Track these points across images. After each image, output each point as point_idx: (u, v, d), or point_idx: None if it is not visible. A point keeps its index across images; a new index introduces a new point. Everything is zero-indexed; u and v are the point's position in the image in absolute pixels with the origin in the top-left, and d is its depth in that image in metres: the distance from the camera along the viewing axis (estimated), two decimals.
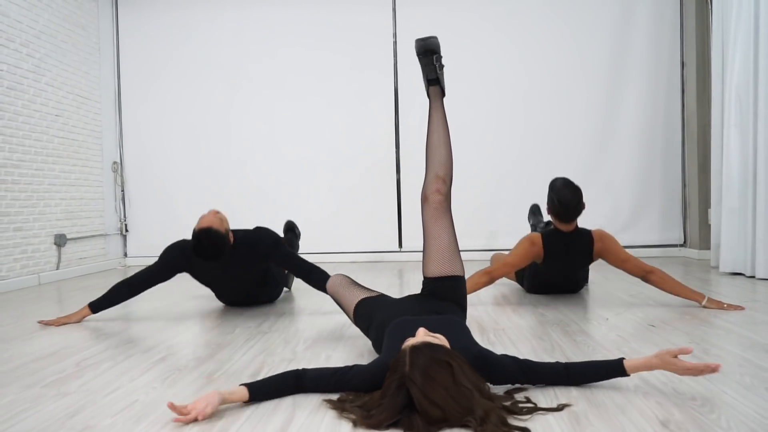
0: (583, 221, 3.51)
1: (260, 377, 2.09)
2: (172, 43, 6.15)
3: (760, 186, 4.15)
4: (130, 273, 5.55)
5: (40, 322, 3.18)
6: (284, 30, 6.05)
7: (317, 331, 2.85)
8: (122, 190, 6.19)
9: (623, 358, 1.89)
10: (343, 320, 3.08)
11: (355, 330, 2.82)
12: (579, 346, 2.45)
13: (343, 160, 6.02)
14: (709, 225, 5.09)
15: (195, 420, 1.69)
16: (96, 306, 3.19)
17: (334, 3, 6.01)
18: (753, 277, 4.23)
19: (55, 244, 5.13)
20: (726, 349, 2.33)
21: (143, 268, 3.34)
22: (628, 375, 1.87)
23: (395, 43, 5.96)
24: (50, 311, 3.63)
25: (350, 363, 2.24)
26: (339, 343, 2.61)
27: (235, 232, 3.28)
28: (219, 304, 3.70)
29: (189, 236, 3.19)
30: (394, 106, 5.98)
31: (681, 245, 5.75)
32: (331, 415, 1.73)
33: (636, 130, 5.78)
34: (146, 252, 6.18)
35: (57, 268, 5.14)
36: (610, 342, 2.50)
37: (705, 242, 5.34)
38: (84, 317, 3.19)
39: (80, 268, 5.42)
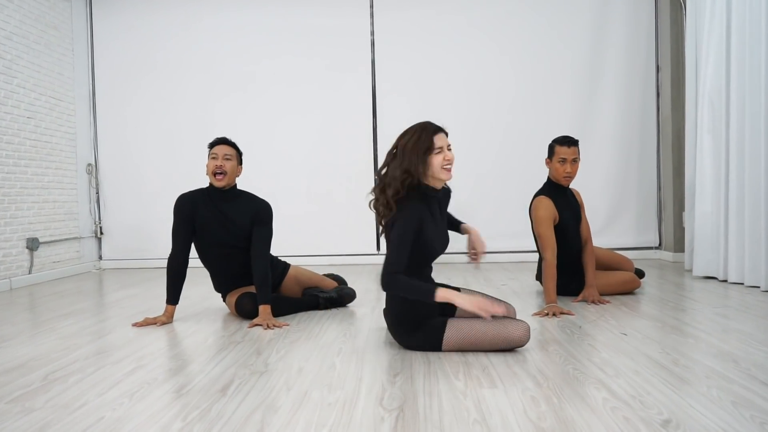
0: None
1: (230, 392, 2.08)
2: (148, 44, 6.09)
3: (732, 191, 4.20)
4: (106, 276, 5.53)
5: (134, 325, 3.26)
6: (261, 33, 6.01)
7: (290, 341, 2.84)
8: (97, 193, 6.12)
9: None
10: (317, 330, 3.07)
11: (328, 339, 2.81)
12: (550, 356, 2.46)
13: (321, 163, 6.01)
14: (683, 228, 5.15)
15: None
16: (172, 298, 3.35)
17: (311, 7, 5.98)
18: (725, 281, 4.28)
19: (27, 248, 5.06)
20: (695, 359, 2.35)
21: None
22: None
23: (373, 46, 5.95)
24: (22, 317, 3.57)
25: (324, 373, 2.24)
26: (312, 353, 2.60)
27: (246, 191, 3.50)
28: (193, 310, 3.66)
29: (164, 237, 3.44)
30: (372, 110, 5.97)
31: (656, 248, 5.81)
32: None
33: (612, 134, 5.82)
34: (122, 255, 6.14)
35: (29, 273, 5.07)
36: (582, 352, 2.51)
37: (680, 245, 5.40)
38: (172, 314, 3.35)
39: (53, 272, 5.35)
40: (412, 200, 2.47)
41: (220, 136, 3.45)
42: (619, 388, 2.02)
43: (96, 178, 6.10)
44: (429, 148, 2.46)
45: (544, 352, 2.52)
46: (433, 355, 2.51)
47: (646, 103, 5.80)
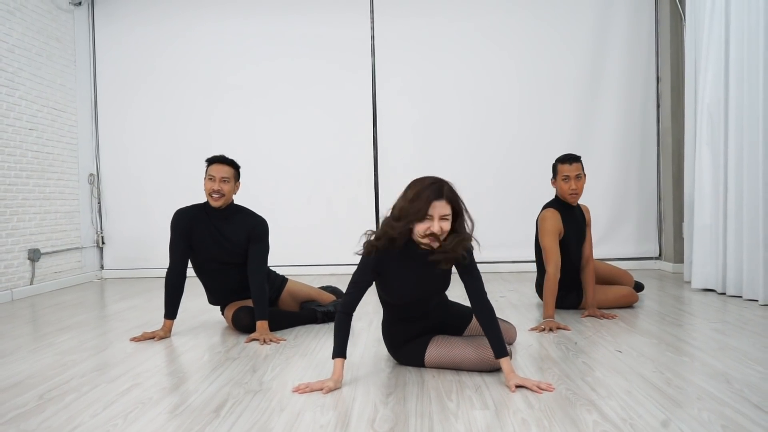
0: None
1: (223, 413, 2.09)
2: (150, 55, 6.12)
3: (731, 204, 4.20)
4: (108, 286, 5.55)
5: (132, 340, 3.28)
6: (262, 42, 6.05)
7: (285, 358, 2.85)
8: (99, 203, 6.15)
9: (508, 356, 2.37)
10: (313, 345, 3.08)
11: (324, 355, 2.82)
12: (544, 375, 2.47)
13: (321, 174, 6.03)
14: (683, 239, 5.15)
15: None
16: (170, 313, 3.36)
17: (311, 15, 6.01)
18: (724, 294, 4.27)
19: (28, 258, 5.09)
20: (688, 380, 2.35)
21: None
22: (500, 367, 2.40)
23: (373, 55, 5.97)
24: (21, 331, 3.59)
25: (318, 392, 2.25)
26: (307, 371, 2.61)
27: (243, 206, 3.50)
28: (192, 323, 3.68)
29: (165, 246, 3.46)
30: (372, 119, 5.99)
31: (656, 258, 5.81)
32: None
33: (613, 144, 5.83)
34: (123, 264, 6.16)
35: (31, 284, 5.10)
36: (575, 371, 2.51)
37: (679, 256, 5.39)
38: (170, 328, 3.37)
39: (55, 283, 5.38)
40: (380, 252, 2.45)
41: (218, 154, 3.45)
42: (611, 411, 2.03)
43: (98, 187, 6.14)
44: (422, 218, 2.34)
45: (539, 371, 2.53)
46: (427, 374, 2.52)
47: (647, 113, 5.81)
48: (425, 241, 2.38)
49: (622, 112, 5.83)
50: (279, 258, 5.51)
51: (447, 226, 2.36)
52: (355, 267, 2.51)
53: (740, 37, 4.13)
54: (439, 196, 2.34)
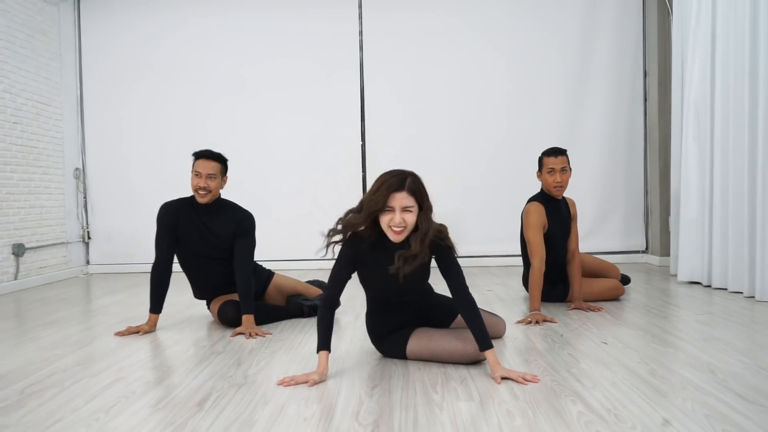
0: None
1: (206, 406, 2.08)
2: (137, 49, 6.07)
3: (717, 198, 4.22)
4: (94, 281, 5.51)
5: (116, 334, 3.24)
6: (249, 37, 6.01)
7: (271, 351, 2.83)
8: (85, 197, 6.10)
9: (491, 348, 2.36)
10: (299, 339, 3.07)
11: (310, 349, 2.81)
12: (530, 366, 2.47)
13: (310, 167, 6.01)
14: (670, 232, 5.17)
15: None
16: (155, 307, 3.34)
17: (299, 11, 5.97)
18: (709, 286, 4.30)
19: (13, 253, 5.04)
20: (672, 370, 2.36)
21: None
22: (485, 358, 2.39)
23: (361, 50, 5.95)
24: (4, 326, 3.56)
25: (302, 385, 2.24)
26: (293, 365, 2.60)
27: (229, 201, 3.48)
28: (178, 318, 3.66)
29: (152, 241, 3.39)
30: (360, 115, 5.97)
31: (643, 251, 5.83)
32: None
33: (600, 138, 5.84)
34: (110, 259, 6.12)
35: (15, 279, 5.05)
36: (561, 362, 2.52)
37: (666, 249, 5.42)
38: (155, 323, 3.34)
39: (40, 278, 5.33)
40: (353, 245, 2.44)
41: (204, 148, 3.42)
42: (595, 401, 2.03)
43: (84, 182, 6.08)
44: (382, 210, 2.34)
45: (524, 363, 2.53)
46: (413, 366, 2.51)
47: (634, 108, 5.82)
48: (391, 236, 2.38)
49: (610, 107, 5.84)
50: (267, 252, 5.47)
51: (410, 218, 2.35)
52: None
53: (726, 32, 4.14)
54: (400, 187, 2.33)
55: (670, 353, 2.62)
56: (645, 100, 5.78)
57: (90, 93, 6.11)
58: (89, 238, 6.12)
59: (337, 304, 2.51)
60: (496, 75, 5.88)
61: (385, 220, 2.36)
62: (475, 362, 2.50)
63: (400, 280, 2.44)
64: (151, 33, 6.05)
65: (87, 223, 6.11)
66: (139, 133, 6.10)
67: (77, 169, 6.03)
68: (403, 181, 2.35)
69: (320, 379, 2.32)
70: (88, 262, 6.16)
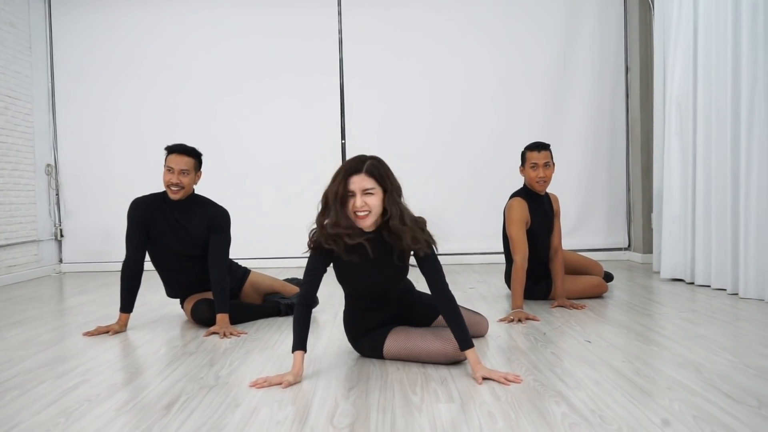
0: None
1: (174, 409, 1.98)
2: (111, 41, 5.92)
3: (699, 194, 4.18)
4: (66, 280, 5.36)
5: (85, 334, 3.12)
6: (227, 30, 5.89)
7: (245, 351, 2.74)
8: (57, 194, 5.94)
9: (472, 347, 2.28)
10: (275, 339, 2.97)
11: (286, 348, 2.71)
12: (512, 366, 2.39)
13: (289, 163, 5.89)
14: (652, 229, 5.14)
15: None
16: (126, 306, 3.21)
17: (279, 5, 5.86)
18: (692, 283, 4.26)
19: None
20: (658, 369, 2.30)
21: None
22: (465, 358, 2.31)
23: (341, 44, 5.85)
24: None
25: (276, 386, 2.15)
26: (267, 365, 2.50)
27: (203, 196, 3.36)
28: (151, 317, 3.54)
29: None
30: (340, 111, 5.87)
31: (626, 249, 5.80)
32: None
33: (582, 135, 5.79)
34: (84, 258, 5.97)
35: None
36: (544, 361, 2.44)
37: (648, 246, 5.39)
38: (126, 322, 3.22)
39: (10, 277, 5.17)
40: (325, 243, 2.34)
41: (178, 142, 3.31)
42: (579, 402, 1.96)
43: (56, 179, 5.93)
44: (344, 197, 2.27)
45: (506, 362, 2.45)
46: (392, 366, 2.43)
47: (616, 104, 5.79)
48: (359, 222, 2.30)
49: (592, 103, 5.79)
50: (244, 250, 5.36)
51: (372, 200, 2.26)
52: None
53: (708, 26, 4.10)
54: (357, 170, 2.27)
55: (654, 352, 2.55)
56: (627, 95, 5.75)
57: (62, 87, 5.95)
58: (62, 236, 5.97)
59: (314, 301, 2.42)
60: (478, 71, 5.81)
61: (350, 208, 2.28)
62: (456, 362, 2.42)
63: (378, 278, 2.36)
64: (125, 25, 5.91)
65: (60, 221, 5.96)
66: (114, 129, 5.95)
67: (49, 165, 5.87)
68: (361, 163, 2.28)
69: (295, 380, 2.22)
70: (61, 261, 6.00)
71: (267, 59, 5.87)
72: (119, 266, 3.26)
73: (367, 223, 2.30)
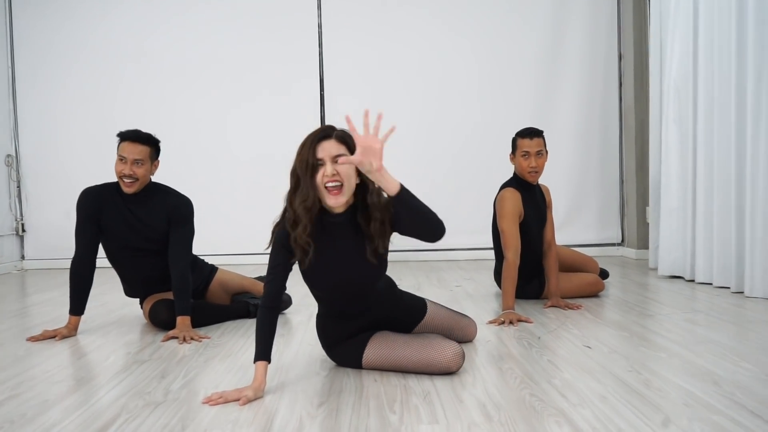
0: None
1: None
2: (76, 24, 5.55)
3: (700, 185, 3.92)
4: (28, 277, 5.02)
5: (29, 340, 2.80)
6: (201, 15, 5.53)
7: (205, 359, 2.43)
8: (18, 186, 5.58)
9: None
10: (240, 344, 2.67)
11: (251, 356, 2.41)
12: (504, 376, 2.11)
13: (265, 153, 5.54)
14: (647, 223, 4.90)
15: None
16: (76, 308, 2.90)
17: None
18: (692, 281, 4.00)
19: None
20: (669, 380, 2.02)
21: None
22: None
23: (320, 33, 5.53)
24: None
25: (233, 403, 1.86)
26: (227, 376, 2.21)
27: (163, 185, 3.05)
28: (107, 319, 3.23)
29: None
30: (320, 100, 5.56)
31: (619, 244, 5.54)
32: None
33: (573, 125, 5.51)
34: (48, 254, 5.61)
35: None
36: (540, 371, 2.17)
37: (643, 242, 5.14)
38: (76, 326, 2.90)
39: None
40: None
41: (131, 129, 2.99)
42: (584, 422, 1.68)
43: (17, 170, 5.57)
44: (314, 166, 1.99)
45: (498, 372, 2.17)
46: (368, 378, 2.13)
47: (608, 93, 5.51)
48: (328, 200, 2.00)
49: (583, 92, 5.51)
50: (218, 245, 5.07)
51: (344, 169, 1.98)
52: None
53: (710, 6, 3.83)
54: (326, 135, 2.02)
55: (662, 359, 2.28)
56: (620, 83, 5.48)
57: (23, 72, 5.58)
58: (24, 230, 5.61)
59: (279, 302, 2.12)
60: (462, 58, 5.51)
61: (318, 180, 1.99)
62: (443, 373, 2.12)
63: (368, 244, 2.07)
64: (92, 7, 5.54)
65: (21, 215, 5.60)
66: (79, 118, 5.57)
67: (9, 155, 5.51)
68: (331, 129, 2.04)
69: (255, 395, 1.93)
70: (23, 257, 5.65)
71: (243, 44, 5.53)
72: (99, 261, 2.96)
73: (340, 200, 2.01)
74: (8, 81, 5.53)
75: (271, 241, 2.09)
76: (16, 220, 5.56)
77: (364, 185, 2.04)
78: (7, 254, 5.46)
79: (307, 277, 2.14)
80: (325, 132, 2.02)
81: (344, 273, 2.10)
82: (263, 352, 2.01)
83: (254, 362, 2.00)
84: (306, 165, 1.98)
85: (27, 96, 5.60)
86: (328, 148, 1.99)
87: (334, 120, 5.39)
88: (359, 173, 2.01)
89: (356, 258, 2.07)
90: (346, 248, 2.08)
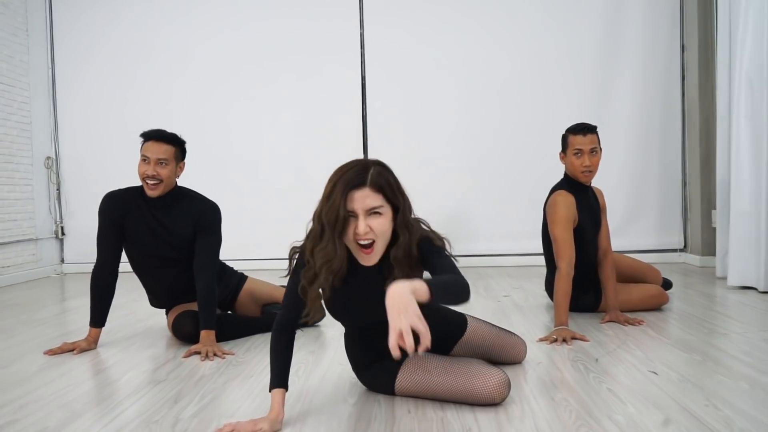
0: None
1: None
2: (116, 24, 5.47)
3: None
4: (67, 281, 4.96)
5: (46, 353, 2.65)
6: (241, 16, 5.38)
7: (225, 381, 2.23)
8: (58, 189, 5.53)
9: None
10: (266, 362, 2.46)
11: (263, 386, 2.20)
12: (557, 408, 1.84)
13: (306, 157, 5.36)
14: (713, 228, 4.51)
15: None
16: (96, 320, 2.75)
17: None
18: (767, 293, 3.62)
19: None
20: (759, 421, 1.71)
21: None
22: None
23: (362, 33, 5.31)
24: None
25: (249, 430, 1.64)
26: (245, 401, 1.99)
27: (190, 189, 2.88)
28: (131, 330, 3.07)
29: None
30: (362, 100, 5.33)
31: (681, 250, 5.15)
32: None
33: (631, 124, 5.15)
34: (87, 258, 5.48)
35: None
36: (599, 402, 1.88)
37: (708, 248, 4.74)
38: (96, 338, 2.75)
39: (4, 278, 4.77)
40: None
41: (155, 128, 2.85)
42: None
43: (57, 173, 5.52)
44: (345, 220, 1.69)
45: (550, 403, 1.89)
46: (401, 407, 1.89)
47: (670, 87, 5.13)
48: (358, 256, 1.76)
49: (641, 87, 5.14)
50: (252, 251, 4.90)
51: (380, 224, 1.70)
52: None
53: None
54: (359, 183, 1.68)
55: (746, 391, 1.96)
56: (683, 78, 5.09)
57: (63, 73, 5.54)
58: (63, 234, 5.56)
59: (294, 326, 1.88)
60: (514, 52, 5.22)
61: (350, 233, 1.71)
62: (486, 404, 1.86)
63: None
64: (131, 7, 5.45)
65: (60, 218, 5.55)
66: (121, 119, 5.48)
67: (49, 158, 5.47)
68: (363, 173, 1.70)
69: (271, 428, 1.70)
70: (62, 261, 5.60)
71: (283, 44, 5.36)
72: (124, 267, 2.82)
73: (373, 260, 1.75)
74: (48, 81, 5.49)
75: (289, 268, 1.86)
76: (55, 223, 5.51)
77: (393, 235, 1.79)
78: (47, 258, 5.41)
79: (330, 308, 1.93)
80: (359, 178, 1.69)
81: (367, 308, 1.85)
82: (278, 379, 1.78)
83: (269, 390, 1.78)
84: (336, 217, 1.68)
85: (68, 97, 5.55)
86: (361, 200, 1.68)
87: (376, 123, 5.23)
88: (393, 224, 1.76)
89: (381, 294, 1.79)
90: (369, 286, 1.82)
